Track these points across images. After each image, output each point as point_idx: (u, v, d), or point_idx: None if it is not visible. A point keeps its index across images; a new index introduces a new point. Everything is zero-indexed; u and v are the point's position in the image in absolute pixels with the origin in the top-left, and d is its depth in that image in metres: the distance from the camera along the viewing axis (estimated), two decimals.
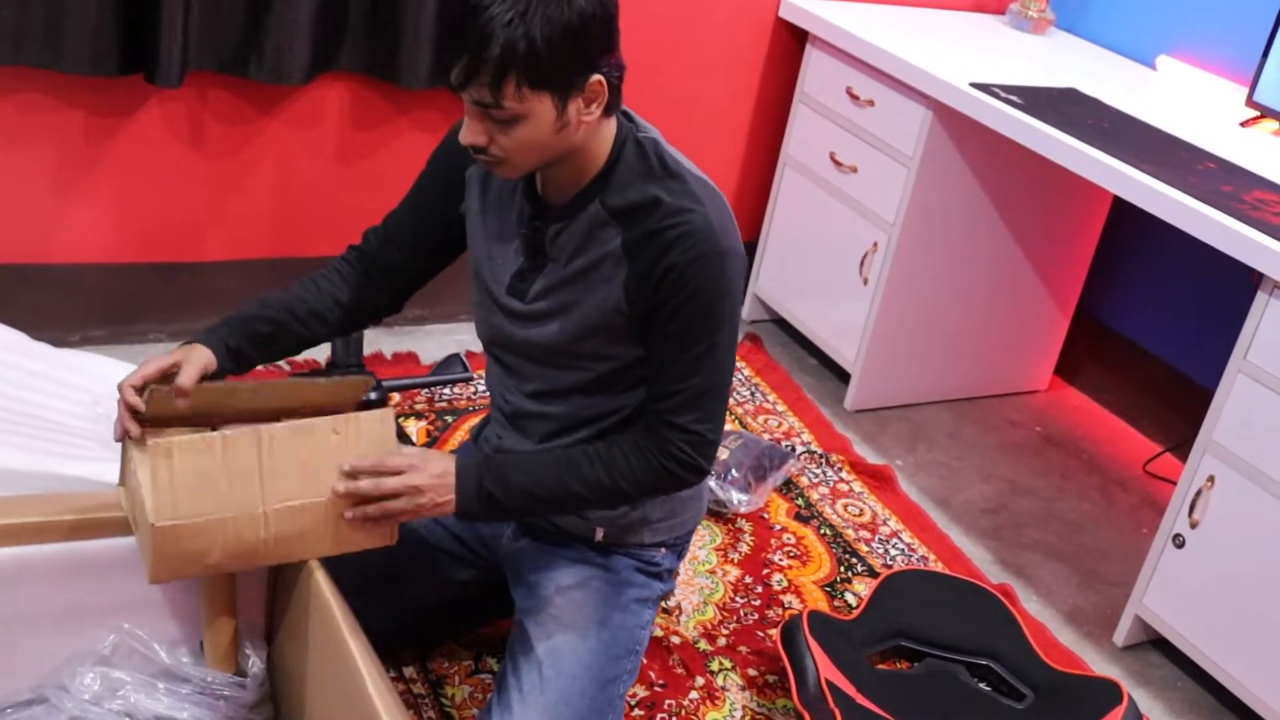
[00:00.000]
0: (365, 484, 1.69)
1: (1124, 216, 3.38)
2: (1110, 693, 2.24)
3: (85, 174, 2.86)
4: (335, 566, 1.76)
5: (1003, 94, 2.83)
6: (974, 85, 2.87)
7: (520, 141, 1.65)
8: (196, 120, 2.91)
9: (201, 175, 2.97)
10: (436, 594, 2.09)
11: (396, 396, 2.97)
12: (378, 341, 3.17)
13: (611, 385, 1.86)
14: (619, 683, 1.92)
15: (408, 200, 2.00)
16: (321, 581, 1.72)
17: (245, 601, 1.82)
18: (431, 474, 1.74)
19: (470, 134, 1.65)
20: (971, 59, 3.14)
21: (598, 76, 1.65)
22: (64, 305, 2.94)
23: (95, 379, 2.59)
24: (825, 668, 2.12)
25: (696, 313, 1.72)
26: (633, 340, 1.80)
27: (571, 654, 1.87)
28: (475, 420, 2.88)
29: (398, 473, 1.71)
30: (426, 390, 3.04)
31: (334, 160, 3.10)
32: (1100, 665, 2.53)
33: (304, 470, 1.68)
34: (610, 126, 1.75)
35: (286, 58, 2.81)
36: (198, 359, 1.75)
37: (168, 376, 1.73)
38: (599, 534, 1.96)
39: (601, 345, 1.81)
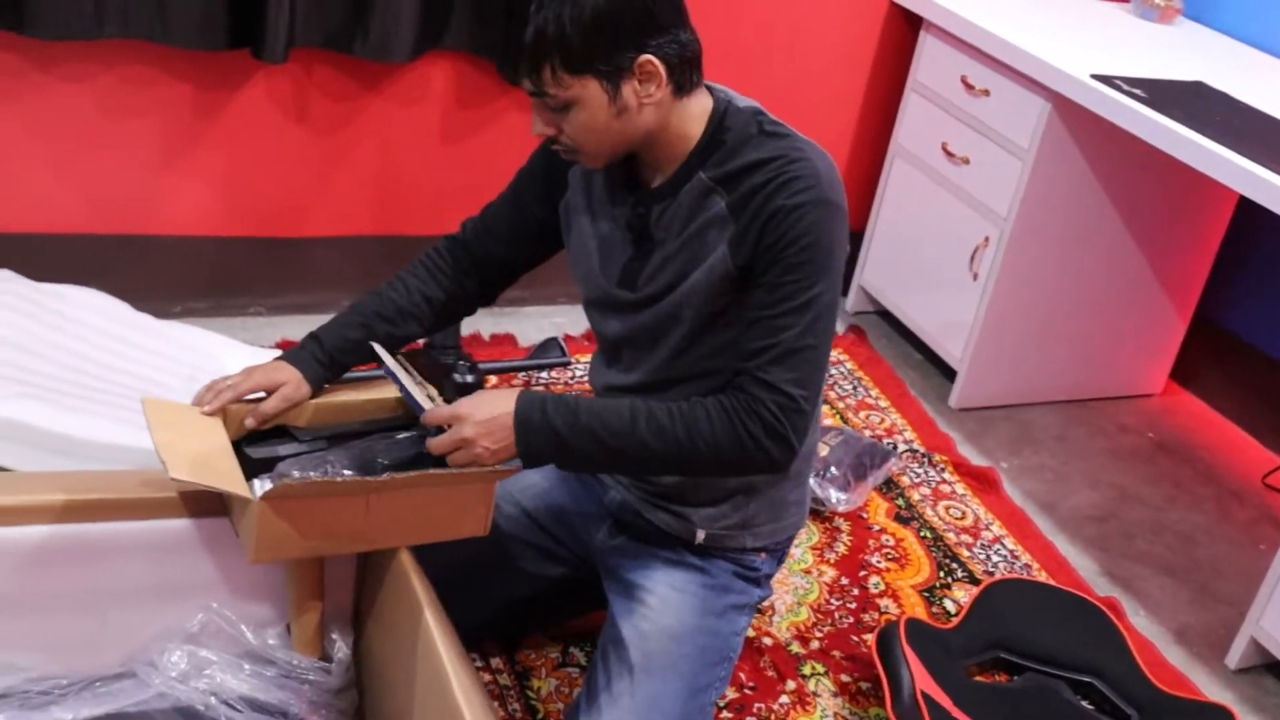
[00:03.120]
0: (430, 414, 1.69)
1: (1250, 216, 3.26)
2: (1221, 719, 2.17)
3: (191, 147, 2.89)
4: (424, 558, 1.75)
5: (1125, 86, 2.74)
6: (1095, 77, 2.78)
7: (580, 128, 1.65)
8: (301, 96, 2.92)
9: (305, 151, 2.99)
10: (526, 588, 2.07)
11: (493, 379, 2.96)
12: (475, 323, 3.16)
13: (718, 374, 1.81)
14: (710, 690, 1.89)
15: (507, 192, 1.99)
16: (410, 570, 1.71)
17: (333, 587, 1.82)
18: (478, 420, 1.67)
19: (535, 124, 1.69)
20: (1093, 49, 3.05)
21: (646, 56, 1.63)
22: (167, 277, 2.98)
23: (194, 351, 2.62)
24: (921, 678, 2.08)
25: (796, 261, 1.65)
26: (733, 318, 1.75)
27: (664, 658, 1.84)
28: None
29: (446, 421, 1.68)
30: (523, 374, 3.03)
31: (437, 139, 3.10)
32: (1211, 689, 2.45)
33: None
34: (698, 103, 1.73)
35: (392, 35, 2.81)
36: (289, 393, 1.83)
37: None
38: (700, 536, 1.92)
39: (709, 319, 1.75)
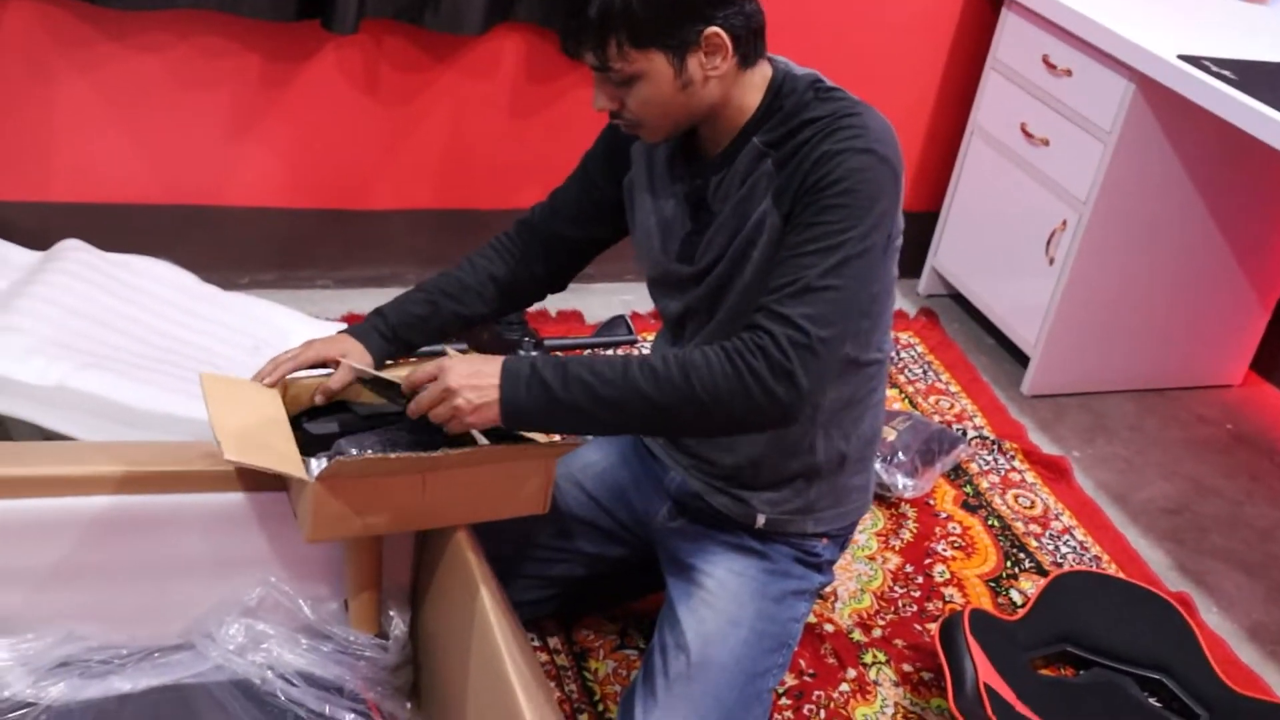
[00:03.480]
0: (410, 406, 1.62)
1: None
2: None
3: (260, 118, 2.90)
4: (483, 536, 1.74)
5: (1214, 68, 2.67)
6: (1182, 57, 2.71)
7: (643, 102, 1.64)
8: (371, 68, 2.92)
9: (373, 123, 2.99)
10: (585, 568, 2.06)
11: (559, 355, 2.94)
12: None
13: None
14: (769, 676, 1.87)
15: (575, 173, 1.98)
16: (467, 548, 1.71)
17: (391, 564, 1.82)
18: (461, 373, 1.58)
19: (598, 99, 1.66)
20: (1180, 29, 2.97)
21: (713, 28, 1.61)
22: (235, 247, 3.00)
23: (258, 323, 2.64)
24: (984, 670, 2.04)
25: (831, 203, 1.59)
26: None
27: (722, 644, 1.82)
28: None
29: (431, 379, 1.60)
30: (589, 351, 3.02)
31: (506, 113, 3.09)
32: None
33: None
34: (759, 74, 1.71)
35: (463, 7, 2.80)
36: (353, 362, 1.81)
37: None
38: (760, 520, 1.90)
39: (762, 279, 1.67)
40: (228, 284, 2.85)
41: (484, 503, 1.72)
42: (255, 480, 1.77)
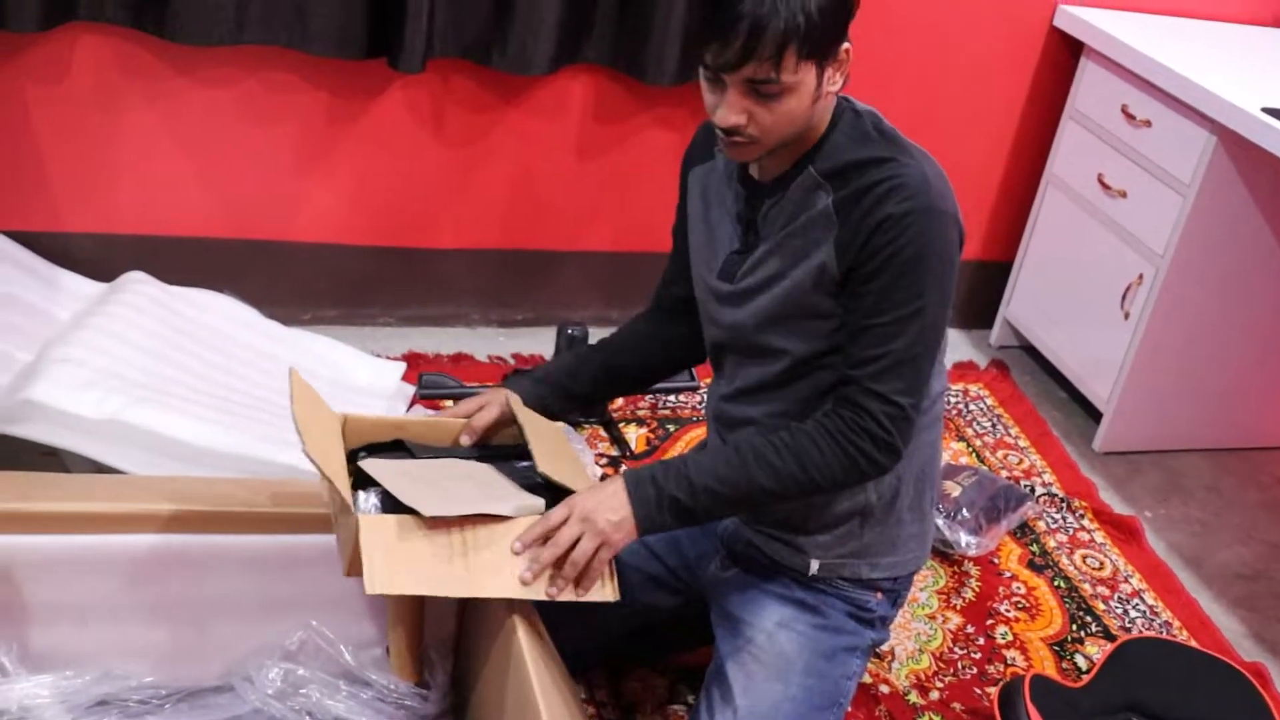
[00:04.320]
0: (546, 552, 1.62)
1: None
2: None
3: (326, 155, 2.92)
4: None
5: None
6: (1266, 110, 2.66)
7: (782, 115, 1.62)
8: (437, 107, 2.93)
9: (439, 162, 3.00)
10: (637, 618, 2.03)
11: (619, 400, 2.93)
12: None
13: (805, 378, 1.77)
14: None
15: (674, 233, 2.00)
16: None
17: (435, 611, 1.80)
18: (594, 498, 1.65)
19: (732, 113, 1.61)
20: (1263, 81, 2.91)
21: (847, 44, 1.63)
22: (298, 283, 3.01)
23: (317, 360, 2.67)
24: None
25: (904, 270, 1.63)
26: (837, 314, 1.71)
27: (769, 701, 1.79)
28: (698, 433, 2.84)
29: (564, 520, 1.64)
30: (650, 395, 3.00)
31: (574, 154, 3.08)
32: None
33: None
34: (831, 100, 1.70)
35: (531, 48, 2.80)
36: (494, 406, 1.87)
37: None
38: (814, 567, 1.87)
39: (805, 317, 1.72)
40: (290, 319, 2.88)
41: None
42: (299, 523, 1.78)
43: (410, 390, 2.78)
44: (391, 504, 1.61)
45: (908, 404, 1.66)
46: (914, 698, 2.25)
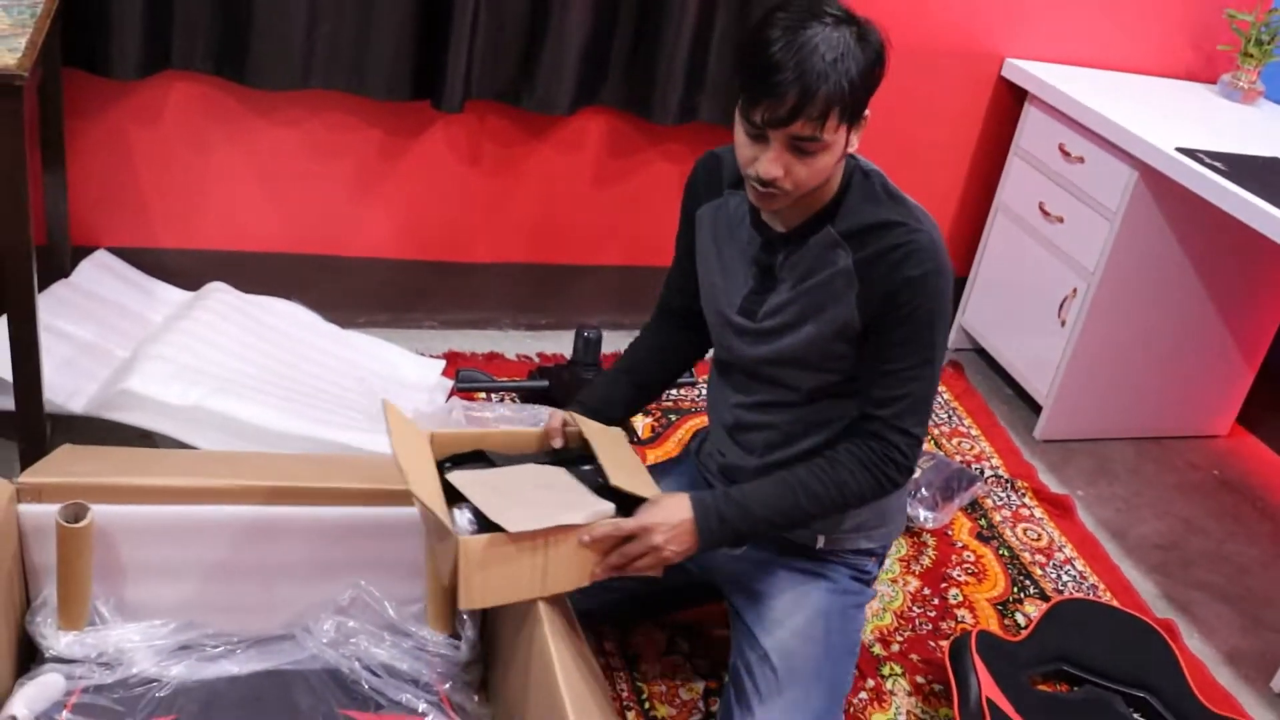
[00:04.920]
0: (614, 559, 1.63)
1: None
2: None
3: (378, 182, 2.91)
4: None
5: (1208, 159, 2.60)
6: (1180, 150, 2.64)
7: (815, 170, 1.58)
8: (474, 141, 2.93)
9: (475, 188, 2.99)
10: (645, 587, 2.00)
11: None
12: (619, 342, 3.11)
13: (829, 396, 1.76)
14: (845, 684, 1.81)
15: (676, 250, 1.95)
16: None
17: None
18: (667, 529, 1.63)
19: (773, 167, 1.56)
20: (1180, 125, 2.90)
21: (867, 110, 1.61)
22: (354, 292, 3.00)
23: (370, 357, 2.67)
24: (988, 686, 1.98)
25: (922, 324, 1.63)
26: (853, 354, 1.70)
27: (801, 655, 1.76)
28: (695, 421, 2.83)
29: (634, 538, 1.63)
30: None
31: (591, 183, 3.08)
32: (1256, 710, 2.29)
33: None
34: (844, 158, 1.65)
35: (554, 92, 2.80)
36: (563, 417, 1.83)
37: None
38: (820, 541, 1.86)
39: (825, 359, 1.71)
40: (347, 323, 2.88)
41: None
42: (353, 497, 1.77)
43: (449, 384, 2.77)
44: (482, 515, 1.58)
45: (921, 435, 1.68)
46: (878, 649, 2.24)
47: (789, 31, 1.50)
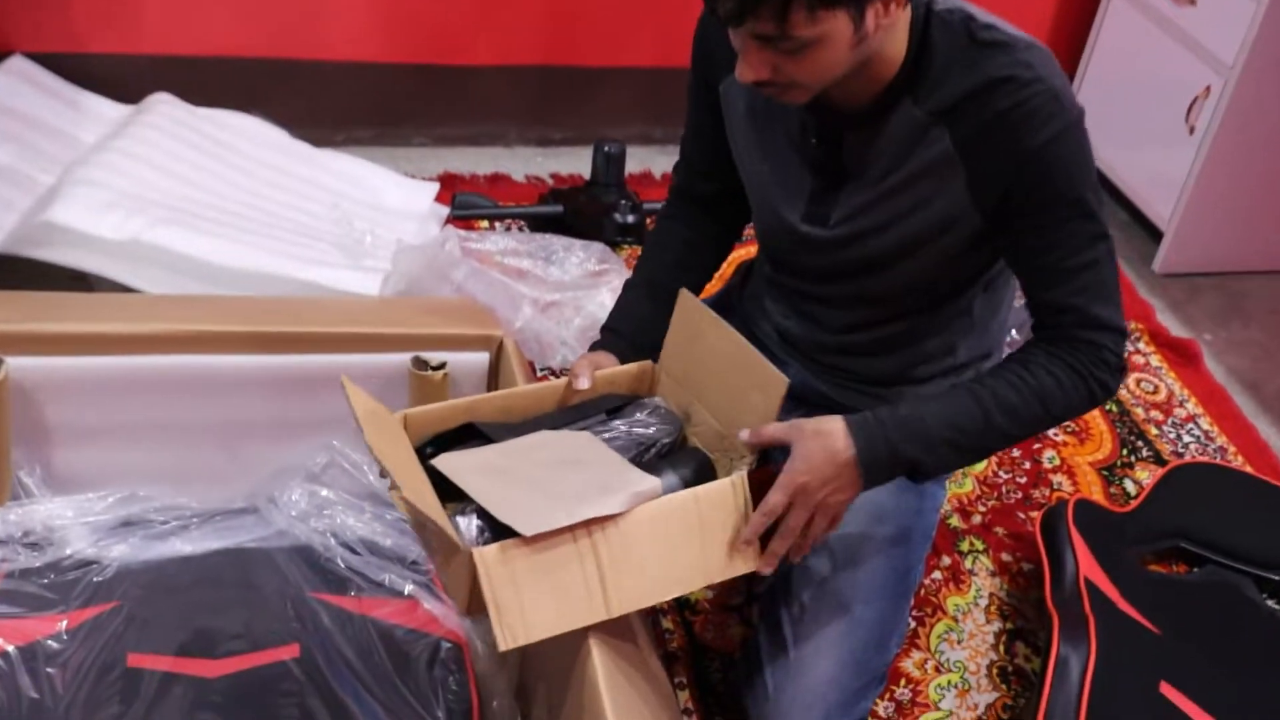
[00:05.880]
0: (778, 544, 1.48)
1: None
2: None
3: None
4: None
5: None
6: None
7: (813, 68, 1.41)
8: None
9: None
10: None
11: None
12: (646, 159, 3.09)
13: (936, 308, 1.69)
14: (914, 572, 1.76)
15: (688, 121, 1.80)
16: None
17: None
18: (817, 473, 1.46)
19: (750, 70, 1.41)
20: None
21: None
22: (330, 104, 2.97)
23: (345, 180, 2.65)
24: (1086, 565, 1.96)
25: (1070, 197, 1.47)
26: (970, 254, 1.60)
27: (868, 543, 1.70)
28: (742, 253, 2.77)
29: (787, 506, 1.47)
30: None
31: None
32: None
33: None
34: (902, 15, 1.46)
35: None
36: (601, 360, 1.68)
37: None
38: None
39: (924, 263, 1.59)
40: (323, 141, 2.84)
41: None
42: (320, 342, 1.77)
43: (444, 212, 2.76)
44: (490, 516, 1.38)
45: (1123, 323, 1.55)
46: (955, 521, 2.23)
47: None
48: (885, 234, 1.58)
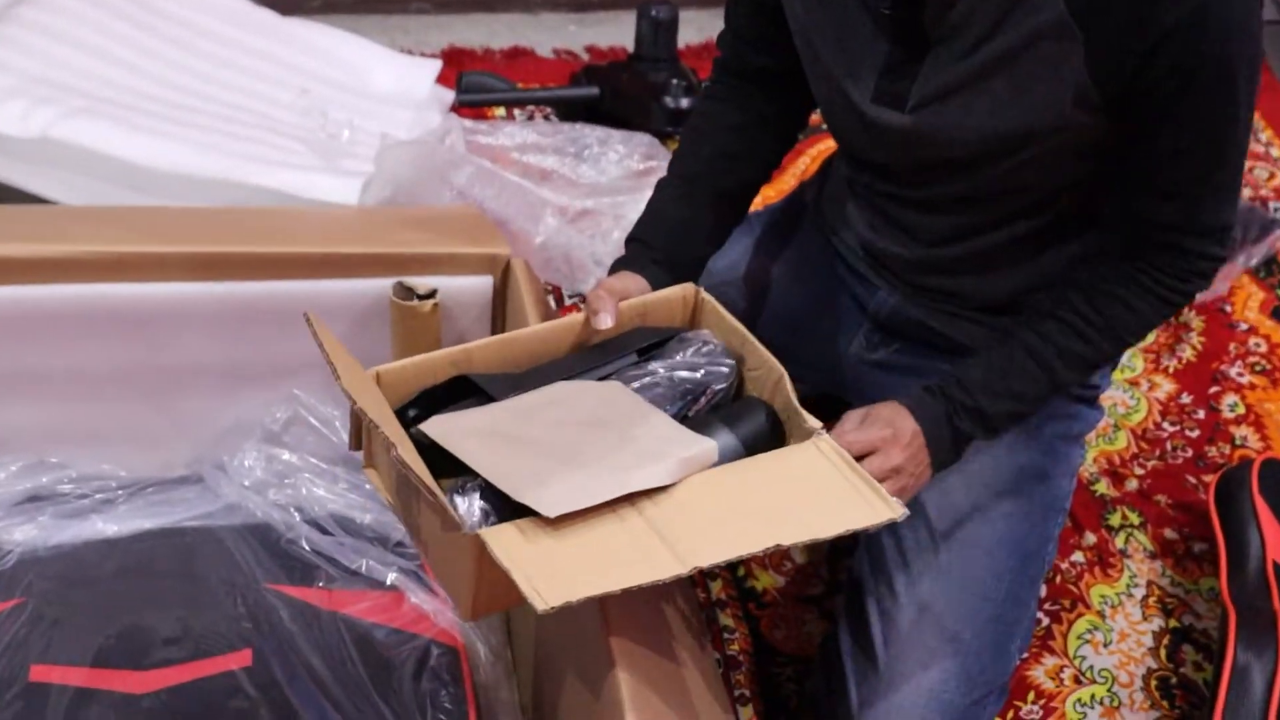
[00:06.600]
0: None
1: None
2: None
3: None
4: None
5: None
6: None
7: None
8: None
9: None
10: None
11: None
12: (706, 25, 3.08)
13: (1042, 213, 1.67)
14: (1042, 556, 1.76)
15: None
16: None
17: None
18: (904, 445, 1.56)
19: None
20: None
21: None
22: None
23: (319, 57, 2.66)
24: (1276, 545, 1.94)
25: (1212, 86, 1.45)
26: (1087, 149, 1.57)
27: (977, 518, 1.70)
28: (823, 147, 2.75)
29: (868, 451, 1.53)
30: None
31: None
32: None
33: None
34: None
35: None
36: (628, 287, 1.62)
37: None
38: None
39: (1032, 161, 1.58)
40: (294, 8, 2.86)
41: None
42: (283, 266, 1.76)
43: (448, 96, 2.77)
44: (493, 489, 1.34)
45: (1230, 219, 1.58)
46: (1103, 488, 2.22)
47: None
48: (978, 122, 1.56)
